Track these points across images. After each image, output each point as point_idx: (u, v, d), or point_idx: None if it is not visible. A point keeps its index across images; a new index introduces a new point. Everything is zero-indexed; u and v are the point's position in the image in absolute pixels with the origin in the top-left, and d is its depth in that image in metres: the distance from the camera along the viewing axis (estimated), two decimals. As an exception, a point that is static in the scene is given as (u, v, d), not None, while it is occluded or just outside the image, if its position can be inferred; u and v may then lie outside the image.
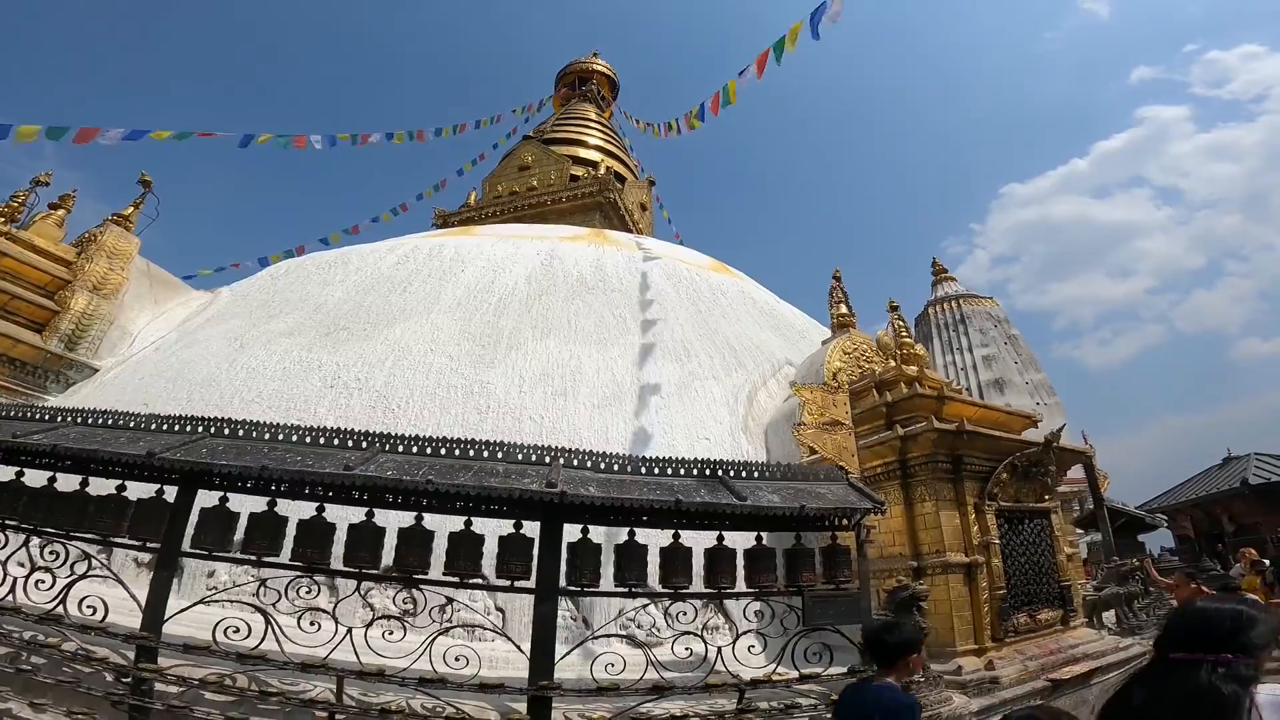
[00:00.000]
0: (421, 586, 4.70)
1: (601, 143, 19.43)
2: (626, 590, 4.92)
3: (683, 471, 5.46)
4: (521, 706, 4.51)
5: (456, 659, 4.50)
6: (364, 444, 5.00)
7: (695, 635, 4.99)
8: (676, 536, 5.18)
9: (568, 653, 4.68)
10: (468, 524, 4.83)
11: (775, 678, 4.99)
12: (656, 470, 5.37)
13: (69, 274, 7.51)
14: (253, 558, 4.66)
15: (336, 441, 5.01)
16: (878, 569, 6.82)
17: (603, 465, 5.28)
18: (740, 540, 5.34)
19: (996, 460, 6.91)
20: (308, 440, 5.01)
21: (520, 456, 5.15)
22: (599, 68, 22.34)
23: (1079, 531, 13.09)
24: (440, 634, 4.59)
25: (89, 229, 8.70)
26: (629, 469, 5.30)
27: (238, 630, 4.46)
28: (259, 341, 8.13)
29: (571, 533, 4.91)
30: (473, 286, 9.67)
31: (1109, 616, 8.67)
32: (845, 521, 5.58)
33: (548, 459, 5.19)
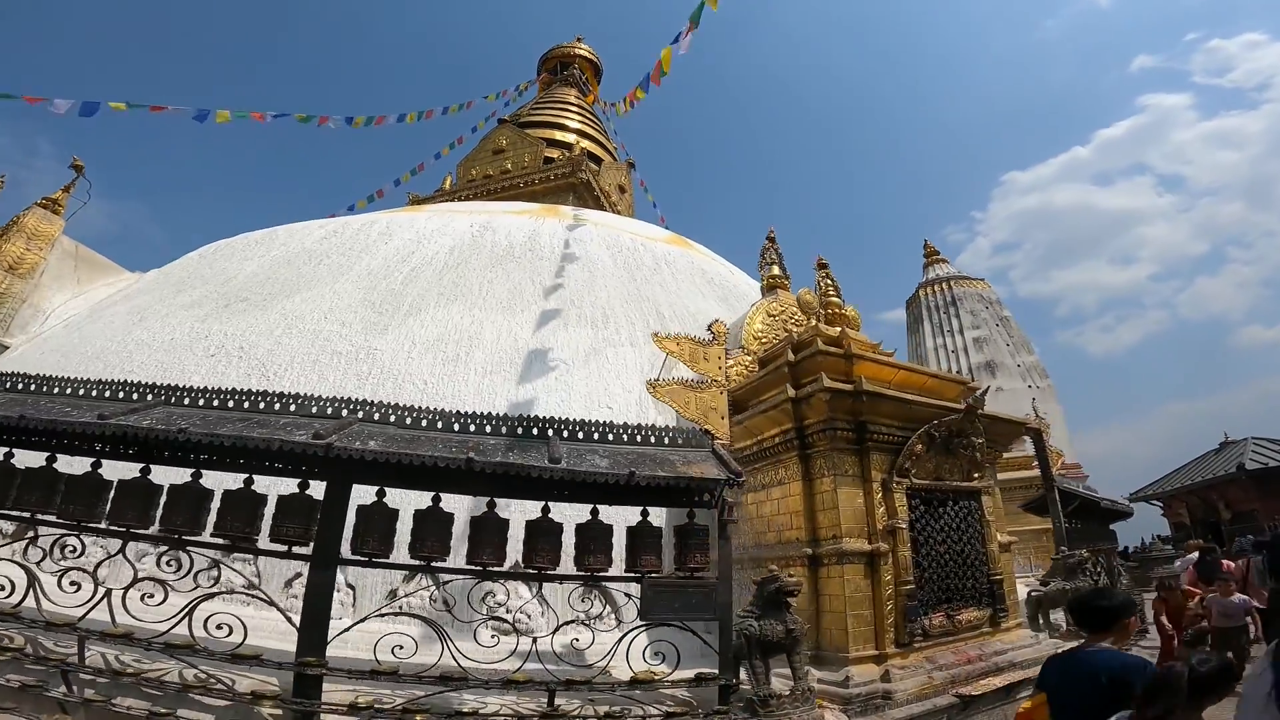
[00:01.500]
0: (189, 549, 4.32)
1: (580, 126, 18.96)
2: (424, 563, 4.40)
3: (504, 430, 4.90)
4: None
5: (219, 627, 4.10)
6: (149, 396, 4.67)
7: (506, 622, 4.41)
8: (491, 505, 4.64)
9: (345, 629, 4.20)
10: (248, 482, 4.43)
11: (598, 681, 4.33)
12: (472, 427, 4.83)
13: (-16, 253, 7.63)
14: (26, 515, 4.40)
15: (122, 395, 4.70)
16: (773, 556, 6.05)
17: (409, 420, 4.78)
18: (577, 515, 4.75)
19: (911, 429, 6.01)
20: (94, 394, 4.72)
21: (315, 409, 4.72)
22: (581, 52, 21.95)
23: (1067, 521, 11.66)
24: (204, 599, 4.20)
25: (17, 214, 8.84)
26: (439, 424, 4.78)
27: (2, 588, 4.21)
28: (158, 315, 8.03)
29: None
30: (391, 257, 9.36)
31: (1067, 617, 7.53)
32: (707, 496, 4.89)
33: (344, 412, 4.73)
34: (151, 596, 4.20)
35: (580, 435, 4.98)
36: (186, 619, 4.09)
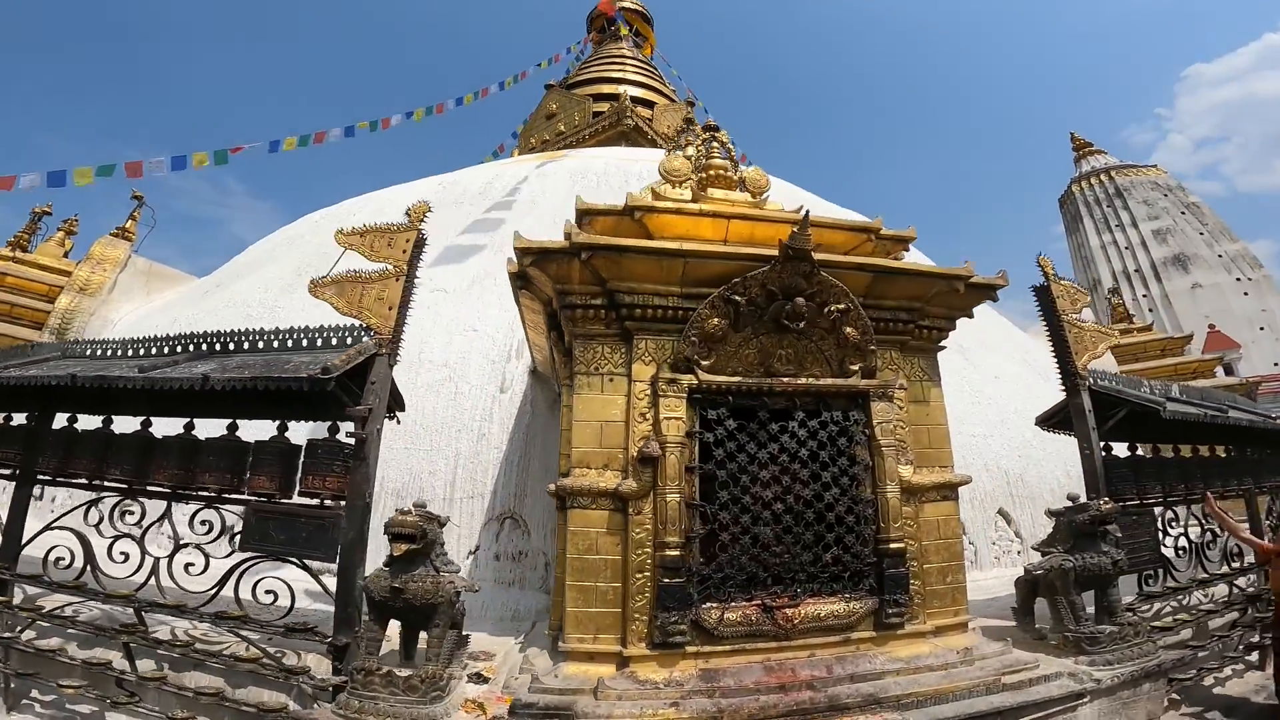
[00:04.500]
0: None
1: (628, 75, 17.82)
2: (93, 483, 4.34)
3: (179, 349, 4.57)
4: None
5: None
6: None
7: (132, 539, 4.12)
8: (147, 424, 4.44)
9: (33, 536, 4.36)
10: (6, 419, 4.86)
11: (200, 608, 3.82)
12: (141, 351, 4.62)
13: (66, 281, 9.99)
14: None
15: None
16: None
17: (103, 352, 4.82)
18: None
19: (706, 296, 3.98)
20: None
21: (52, 352, 4.99)
22: (626, 4, 20.74)
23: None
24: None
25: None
26: (127, 352, 4.67)
27: None
28: (162, 311, 9.61)
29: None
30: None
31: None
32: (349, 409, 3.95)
33: (64, 351, 4.92)
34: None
35: (231, 346, 4.43)
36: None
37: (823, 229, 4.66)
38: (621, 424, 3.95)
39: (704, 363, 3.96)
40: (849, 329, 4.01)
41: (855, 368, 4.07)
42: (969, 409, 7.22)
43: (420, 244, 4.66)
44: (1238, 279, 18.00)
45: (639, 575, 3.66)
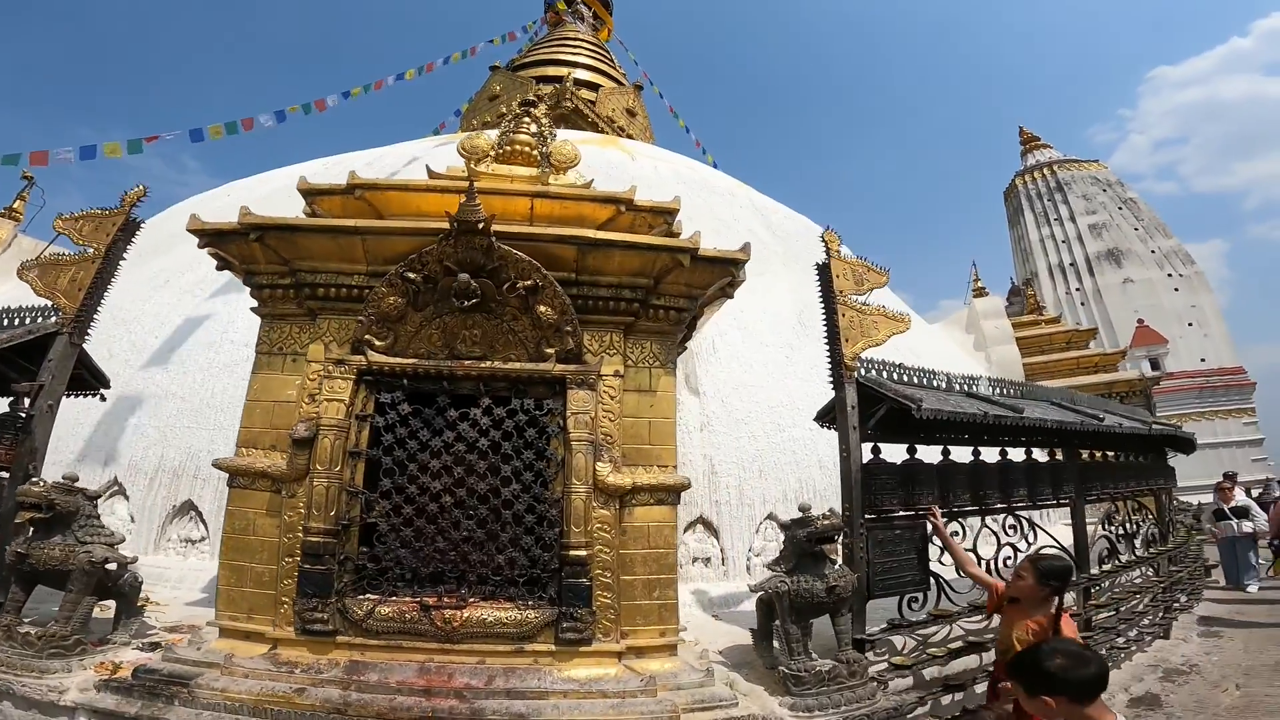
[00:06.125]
0: None
1: (574, 58, 17.37)
2: None
3: None
4: None
5: None
6: None
7: None
8: None
9: None
10: None
11: None
12: None
13: (-58, 263, 9.94)
14: None
15: None
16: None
17: None
18: None
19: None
20: None
21: None
22: None
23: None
24: None
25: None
26: None
27: None
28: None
29: None
30: (224, 208, 9.64)
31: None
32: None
33: None
34: None
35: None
36: None
37: (565, 201, 4.38)
38: (294, 405, 3.74)
39: (379, 343, 3.71)
40: (543, 308, 3.71)
41: (551, 351, 3.77)
42: (817, 402, 6.85)
43: (129, 228, 4.61)
44: (1169, 275, 18.46)
45: (288, 559, 3.49)
